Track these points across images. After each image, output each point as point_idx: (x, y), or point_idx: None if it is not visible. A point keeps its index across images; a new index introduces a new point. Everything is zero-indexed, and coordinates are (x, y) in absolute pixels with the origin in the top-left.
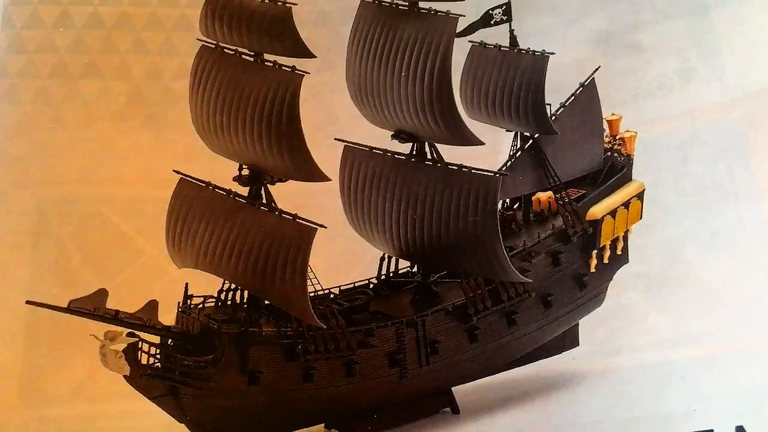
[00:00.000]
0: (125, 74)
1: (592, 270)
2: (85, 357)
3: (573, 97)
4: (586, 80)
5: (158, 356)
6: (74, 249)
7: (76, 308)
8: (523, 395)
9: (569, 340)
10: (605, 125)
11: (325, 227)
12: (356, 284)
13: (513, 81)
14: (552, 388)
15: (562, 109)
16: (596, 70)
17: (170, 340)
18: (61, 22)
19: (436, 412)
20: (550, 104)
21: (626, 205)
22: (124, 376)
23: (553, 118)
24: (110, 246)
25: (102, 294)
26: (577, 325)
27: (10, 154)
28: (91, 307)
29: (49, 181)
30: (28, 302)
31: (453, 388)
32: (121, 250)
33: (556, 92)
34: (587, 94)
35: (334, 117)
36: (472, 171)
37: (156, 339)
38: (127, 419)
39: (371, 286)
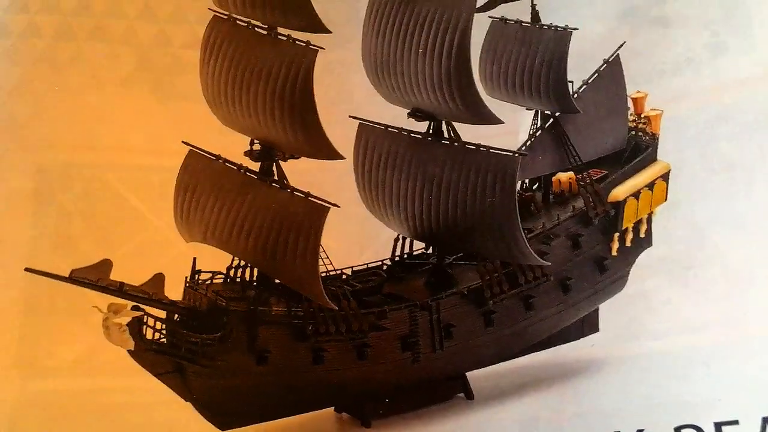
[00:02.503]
0: (133, 40)
1: (614, 253)
2: (87, 330)
3: (596, 74)
4: (610, 56)
5: (164, 332)
6: (76, 217)
7: (78, 278)
8: (540, 382)
9: (589, 325)
10: (629, 103)
11: (339, 206)
12: (369, 265)
13: (534, 58)
14: (570, 375)
15: (584, 86)
16: (621, 45)
17: (177, 316)
18: None
19: (450, 397)
20: (572, 81)
21: (650, 186)
22: (128, 351)
23: (576, 96)
24: (114, 215)
25: (106, 265)
26: (597, 310)
27: (10, 116)
28: (94, 277)
29: (50, 146)
30: (26, 269)
31: (467, 374)
32: (125, 220)
33: (579, 69)
34: (611, 71)
35: (348, 94)
36: (490, 151)
37: (162, 314)
38: (129, 395)
39: (385, 267)
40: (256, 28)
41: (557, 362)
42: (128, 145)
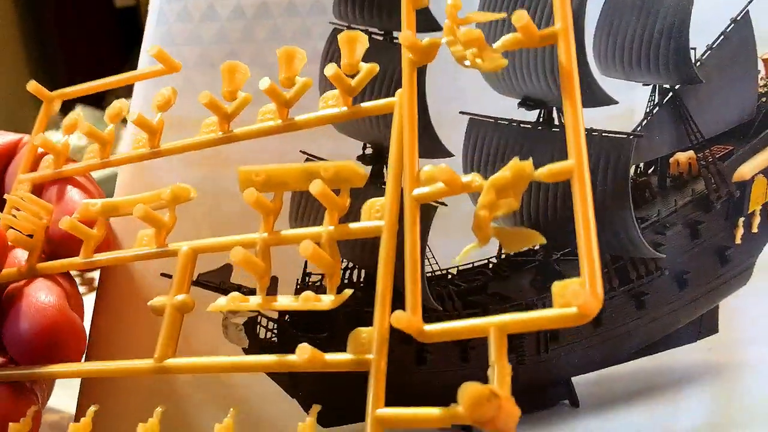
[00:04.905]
0: (262, 62)
1: (738, 242)
2: (210, 328)
3: (722, 37)
4: (738, 15)
5: (275, 331)
6: (204, 227)
7: (203, 281)
8: (651, 389)
9: (707, 325)
10: (761, 66)
11: (446, 205)
12: (475, 264)
13: (653, 26)
14: (684, 382)
15: (708, 51)
16: (750, 2)
17: (287, 316)
18: (208, 16)
19: (554, 404)
20: (695, 48)
21: None
22: (243, 349)
23: (698, 63)
24: (235, 223)
25: (227, 269)
26: (717, 308)
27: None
28: (217, 281)
29: (189, 162)
30: (162, 274)
31: (573, 379)
32: (244, 227)
33: (703, 33)
34: (739, 32)
35: (459, 90)
36: (603, 134)
37: (275, 315)
38: (241, 390)
39: (490, 266)
40: (372, 35)
41: (670, 367)
42: (256, 159)
